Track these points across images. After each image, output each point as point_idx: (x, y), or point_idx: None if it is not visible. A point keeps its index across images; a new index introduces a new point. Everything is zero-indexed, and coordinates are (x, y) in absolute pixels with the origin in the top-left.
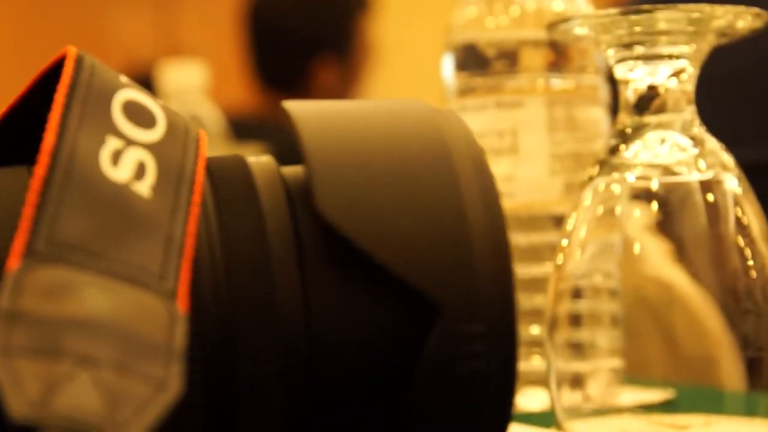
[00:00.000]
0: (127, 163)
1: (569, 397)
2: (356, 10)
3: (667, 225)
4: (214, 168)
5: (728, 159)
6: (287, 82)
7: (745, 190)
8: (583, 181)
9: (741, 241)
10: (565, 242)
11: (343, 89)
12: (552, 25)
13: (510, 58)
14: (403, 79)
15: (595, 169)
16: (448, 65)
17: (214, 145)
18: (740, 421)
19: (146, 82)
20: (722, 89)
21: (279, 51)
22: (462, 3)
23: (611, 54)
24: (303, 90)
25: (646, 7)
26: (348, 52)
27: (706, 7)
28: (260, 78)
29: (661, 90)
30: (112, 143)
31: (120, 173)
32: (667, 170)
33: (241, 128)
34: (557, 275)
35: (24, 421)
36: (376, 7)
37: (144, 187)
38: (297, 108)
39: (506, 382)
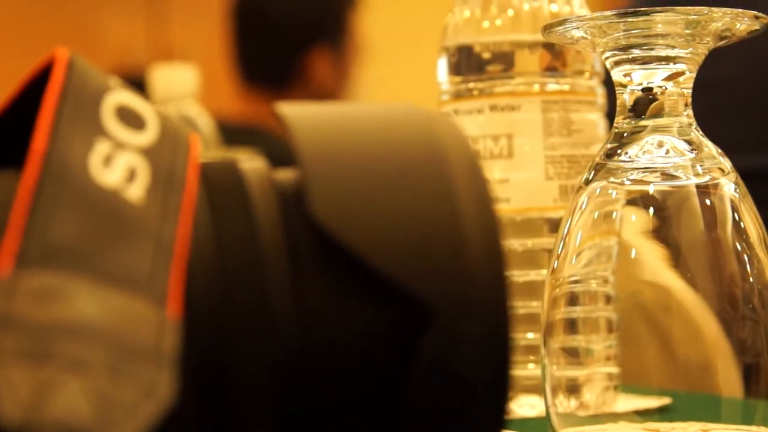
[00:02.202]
0: (117, 166)
1: (564, 404)
2: (345, 2)
3: (664, 230)
4: (205, 171)
5: (726, 163)
6: (282, 76)
7: (742, 194)
8: (579, 186)
9: (738, 246)
10: (560, 247)
11: (337, 83)
12: (548, 28)
13: (505, 60)
14: (398, 82)
15: (591, 173)
16: (442, 68)
17: (205, 149)
18: (737, 428)
19: (138, 86)
20: (719, 94)
21: (273, 44)
22: (457, 5)
23: (608, 57)
24: (299, 84)
25: (643, 9)
26: (341, 44)
27: (704, 10)
28: (251, 77)
29: (659, 93)
30: (102, 146)
31: (110, 177)
32: (664, 174)
33: (231, 133)
34: (553, 280)
35: (15, 425)
36: (364, 2)
37: (135, 191)
38: (290, 111)
39: (501, 387)
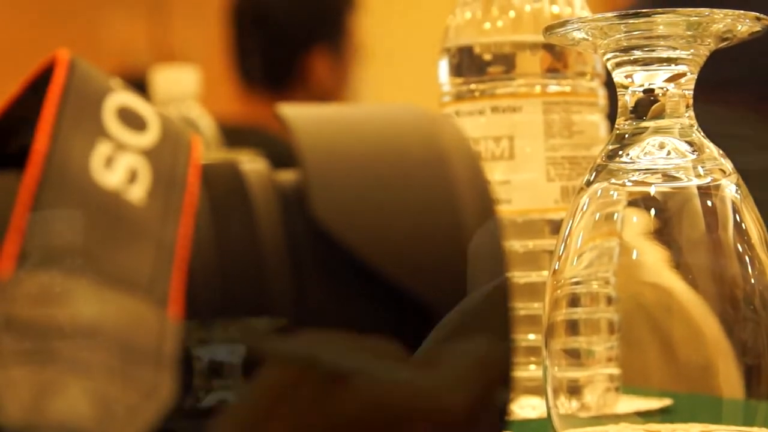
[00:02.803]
0: (119, 167)
1: (566, 405)
2: (344, 3)
3: (665, 231)
4: (207, 173)
5: (727, 164)
6: (282, 77)
7: (744, 195)
8: (580, 187)
9: (740, 248)
10: (561, 248)
11: (337, 84)
12: (549, 29)
13: (506, 62)
14: (399, 83)
15: (593, 175)
16: (444, 69)
17: (206, 150)
18: (738, 430)
19: (139, 87)
20: (720, 94)
21: (273, 45)
22: (458, 6)
23: (609, 58)
24: (299, 85)
25: (644, 10)
26: (341, 45)
27: (705, 11)
28: (252, 78)
29: (660, 95)
30: (104, 147)
31: (112, 178)
32: (666, 176)
33: (232, 134)
34: (554, 282)
35: (17, 427)
36: (361, 2)
37: (136, 192)
38: (292, 112)
39: (502, 389)
